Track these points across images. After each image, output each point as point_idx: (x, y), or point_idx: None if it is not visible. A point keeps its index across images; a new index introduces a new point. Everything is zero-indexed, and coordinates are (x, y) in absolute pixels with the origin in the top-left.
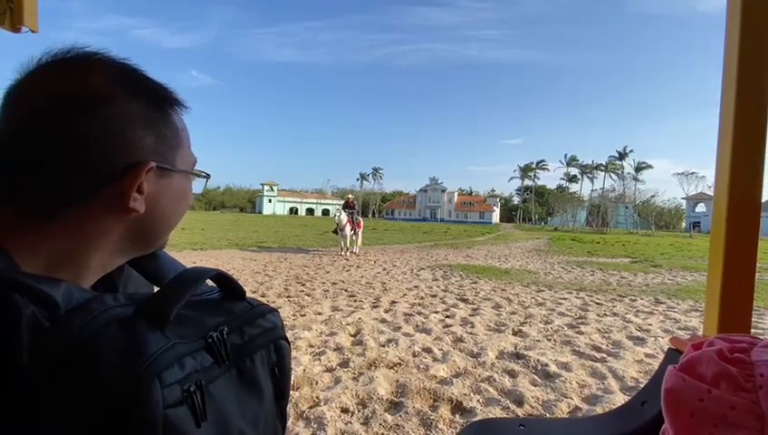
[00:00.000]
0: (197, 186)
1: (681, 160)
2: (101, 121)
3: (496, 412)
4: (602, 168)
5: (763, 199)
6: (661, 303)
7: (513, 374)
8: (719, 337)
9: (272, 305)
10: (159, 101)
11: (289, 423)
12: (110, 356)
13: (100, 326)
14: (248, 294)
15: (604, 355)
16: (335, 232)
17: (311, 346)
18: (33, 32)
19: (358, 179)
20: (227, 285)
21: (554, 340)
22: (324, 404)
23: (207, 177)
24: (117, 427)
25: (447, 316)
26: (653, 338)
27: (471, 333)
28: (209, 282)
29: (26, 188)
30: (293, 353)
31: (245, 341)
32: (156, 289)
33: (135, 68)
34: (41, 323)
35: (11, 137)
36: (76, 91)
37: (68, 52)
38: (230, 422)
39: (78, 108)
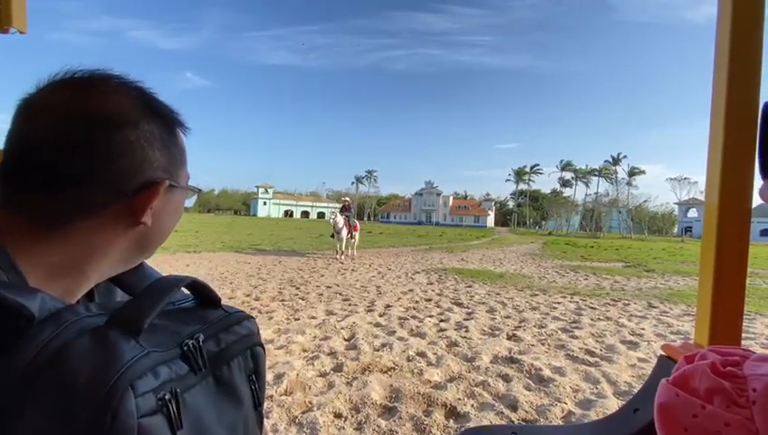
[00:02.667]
0: (189, 201)
1: (672, 165)
2: (123, 141)
3: (490, 417)
4: (596, 172)
5: (754, 205)
6: (654, 307)
7: (507, 379)
8: (711, 349)
9: (265, 309)
10: (170, 123)
11: (281, 428)
12: (81, 366)
13: (70, 336)
14: (242, 298)
15: (598, 360)
16: (333, 236)
17: (304, 350)
18: (21, 33)
19: (353, 183)
20: (202, 293)
21: (548, 344)
22: (317, 409)
23: (198, 191)
24: None
25: (442, 320)
26: (646, 342)
27: (465, 338)
28: (184, 290)
29: (43, 200)
30: (287, 358)
31: (222, 348)
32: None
33: (150, 91)
34: (12, 336)
35: (31, 150)
36: (101, 112)
37: (90, 72)
38: (208, 429)
39: (102, 128)
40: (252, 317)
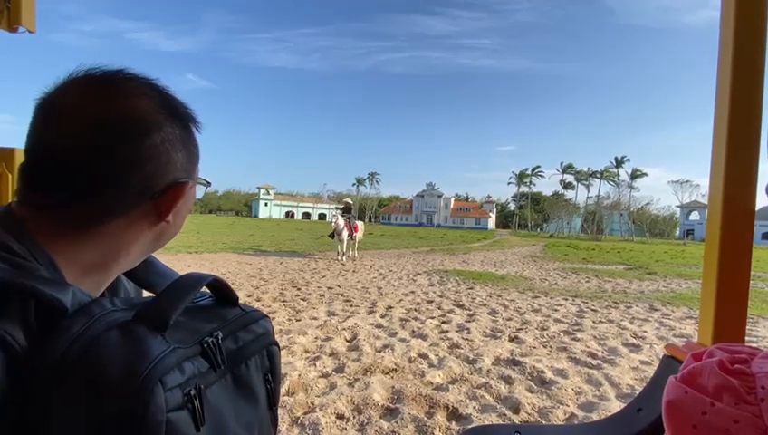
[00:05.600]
0: (198, 192)
1: (672, 168)
2: (151, 145)
3: (492, 419)
4: (598, 175)
5: (757, 208)
6: (656, 310)
7: (509, 381)
8: (719, 347)
9: (267, 310)
10: (187, 122)
11: (283, 429)
12: (113, 360)
13: (100, 330)
14: (243, 298)
15: (600, 362)
16: (332, 236)
17: (306, 351)
18: (30, 32)
19: (354, 184)
20: (222, 291)
21: (550, 346)
22: (319, 410)
23: (208, 184)
24: (122, 430)
25: (443, 322)
26: (648, 345)
27: (467, 339)
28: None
29: (74, 202)
30: (289, 359)
31: (240, 346)
32: (144, 293)
33: (168, 90)
34: (46, 328)
35: (60, 153)
36: (129, 116)
37: (113, 72)
38: (227, 427)
39: (131, 132)
40: (267, 316)
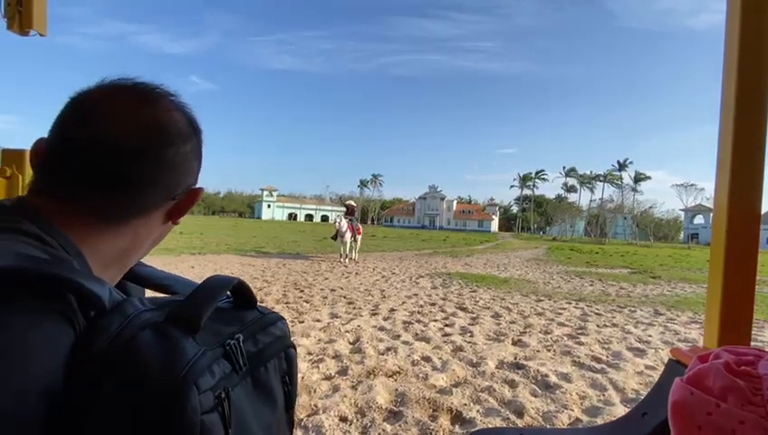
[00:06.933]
0: None
1: (674, 171)
2: (184, 152)
3: (496, 423)
4: (601, 178)
5: (763, 211)
6: (661, 314)
7: (512, 384)
8: (725, 349)
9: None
10: (201, 135)
11: None
12: (150, 360)
13: (135, 329)
14: None
15: (604, 366)
16: (334, 238)
17: (309, 353)
18: (41, 35)
19: (358, 186)
20: (243, 294)
21: (554, 350)
22: (322, 413)
23: None
24: (159, 431)
25: (447, 325)
26: (653, 350)
27: (470, 343)
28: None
29: (108, 197)
30: None
31: (260, 349)
32: (137, 287)
33: (189, 106)
34: (88, 324)
35: (105, 153)
36: (173, 125)
37: (153, 85)
38: (249, 429)
39: (174, 139)
40: (284, 318)
